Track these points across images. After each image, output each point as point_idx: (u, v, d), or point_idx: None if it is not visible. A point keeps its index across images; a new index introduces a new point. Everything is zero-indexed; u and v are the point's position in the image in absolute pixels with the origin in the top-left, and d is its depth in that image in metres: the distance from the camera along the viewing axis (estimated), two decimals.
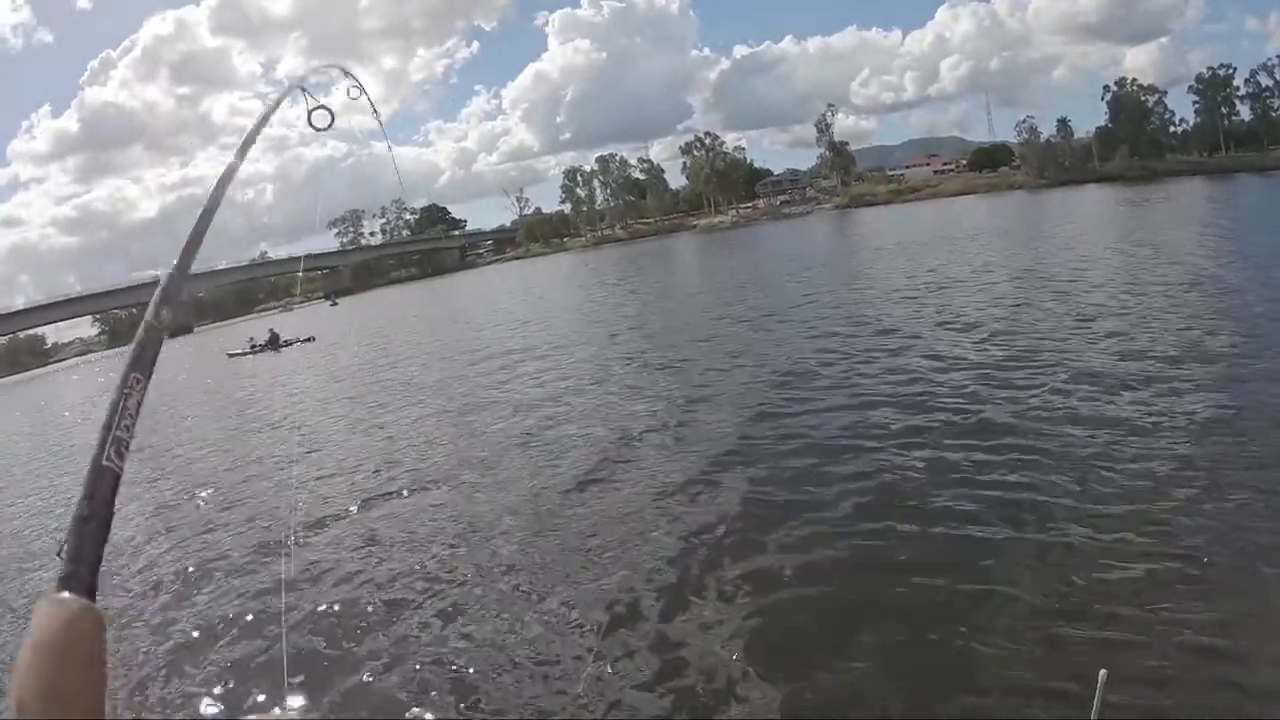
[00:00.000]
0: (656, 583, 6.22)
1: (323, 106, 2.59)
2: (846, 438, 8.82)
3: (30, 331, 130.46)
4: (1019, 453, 7.70)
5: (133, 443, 1.08)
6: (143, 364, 1.23)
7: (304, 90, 2.61)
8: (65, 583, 0.93)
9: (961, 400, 9.65)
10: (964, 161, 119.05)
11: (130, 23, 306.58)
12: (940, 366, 11.40)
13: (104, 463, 1.06)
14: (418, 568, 7.39)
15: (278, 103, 2.49)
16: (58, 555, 0.97)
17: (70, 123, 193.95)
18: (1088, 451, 7.51)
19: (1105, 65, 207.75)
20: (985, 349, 12.15)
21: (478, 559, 7.42)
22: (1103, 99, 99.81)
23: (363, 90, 3.48)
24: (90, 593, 0.93)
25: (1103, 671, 2.28)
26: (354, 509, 9.51)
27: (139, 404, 1.16)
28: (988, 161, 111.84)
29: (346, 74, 3.42)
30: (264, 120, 2.26)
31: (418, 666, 5.60)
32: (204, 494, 12.02)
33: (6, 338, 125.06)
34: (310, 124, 2.58)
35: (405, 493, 9.89)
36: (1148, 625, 4.70)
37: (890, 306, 16.80)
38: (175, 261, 1.57)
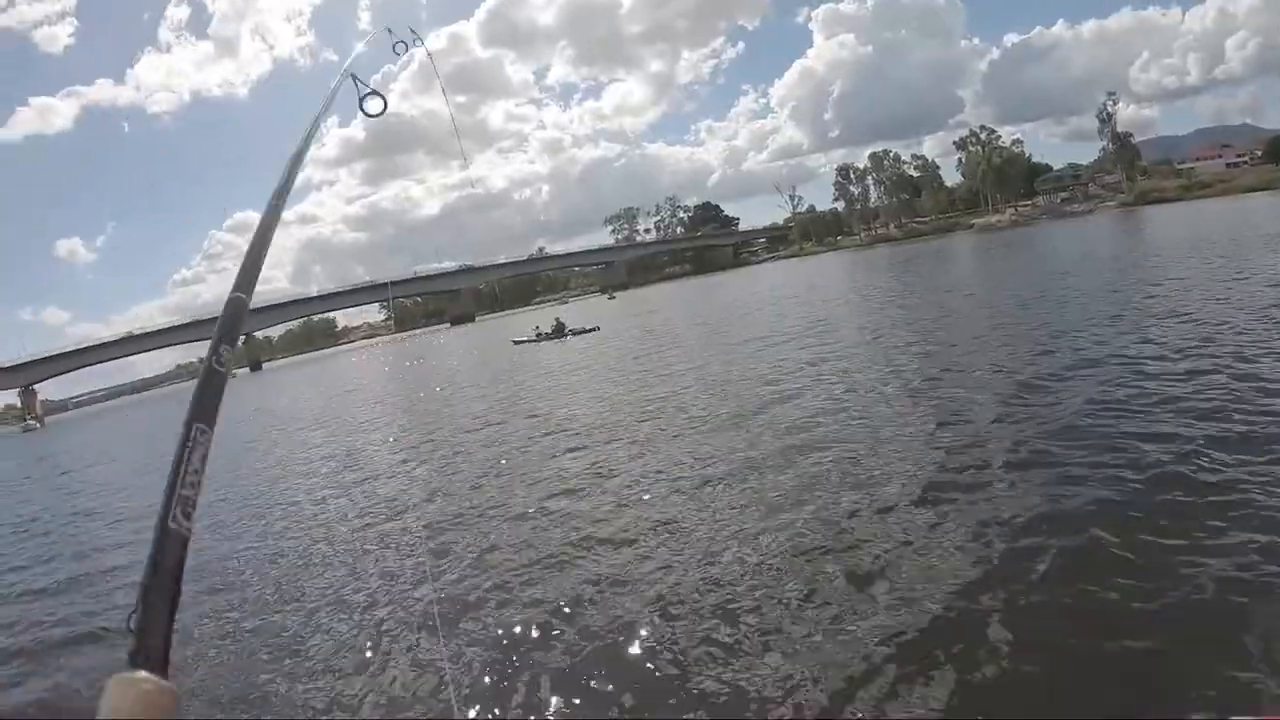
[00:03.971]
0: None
1: (375, 92, 2.55)
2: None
3: (323, 315, 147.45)
4: None
5: (198, 498, 1.00)
6: (206, 413, 1.13)
7: (355, 77, 2.52)
8: (135, 659, 0.89)
9: None
10: (1258, 152, 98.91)
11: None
12: None
13: (170, 524, 0.99)
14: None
15: (334, 94, 2.39)
16: (126, 629, 0.92)
17: (357, 131, 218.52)
18: None
19: None
20: None
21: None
22: None
23: (419, 41, 3.34)
24: (163, 668, 0.89)
25: None
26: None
27: (204, 457, 1.07)
28: None
29: (413, 35, 3.25)
30: (325, 108, 2.27)
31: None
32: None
33: (302, 320, 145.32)
34: (362, 110, 2.55)
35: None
36: None
37: None
38: (233, 291, 1.40)
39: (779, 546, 6.63)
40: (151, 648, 0.91)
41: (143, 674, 0.87)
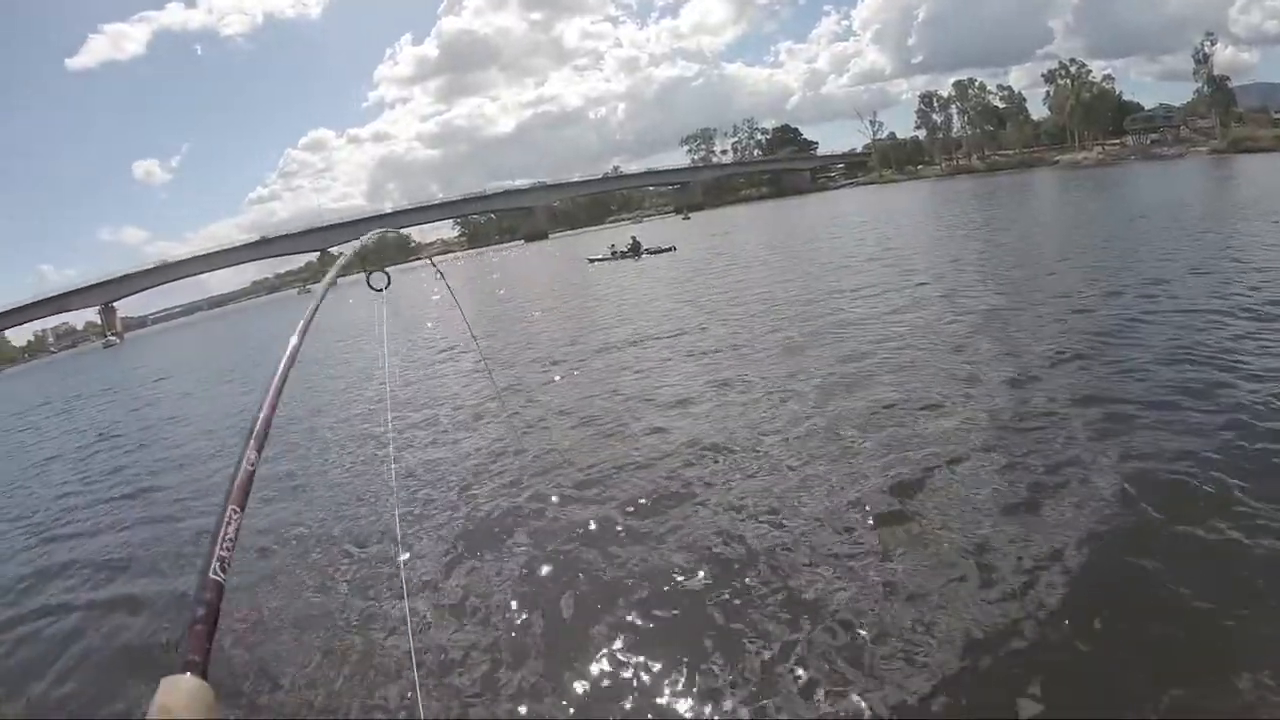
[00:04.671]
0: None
1: (382, 270, 3.33)
2: None
3: (396, 232, 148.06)
4: None
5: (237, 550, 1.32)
6: (239, 498, 1.45)
7: (364, 261, 3.23)
8: (183, 667, 1.12)
9: None
10: None
11: None
12: None
13: (212, 576, 1.27)
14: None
15: (342, 264, 2.99)
16: (176, 650, 1.16)
17: (430, 49, 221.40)
18: None
19: None
20: None
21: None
22: None
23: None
24: (204, 672, 1.12)
25: None
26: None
27: (237, 530, 1.38)
28: None
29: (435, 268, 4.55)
30: (333, 279, 2.75)
31: None
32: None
33: (374, 236, 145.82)
34: (370, 285, 3.37)
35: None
36: None
37: None
38: (265, 408, 1.74)
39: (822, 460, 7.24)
40: (195, 660, 1.15)
41: (188, 676, 1.11)
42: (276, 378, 1.84)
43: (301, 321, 2.19)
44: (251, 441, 1.60)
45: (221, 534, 1.35)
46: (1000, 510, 5.71)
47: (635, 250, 41.62)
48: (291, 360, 1.98)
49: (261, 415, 1.69)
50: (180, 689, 1.07)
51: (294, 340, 2.08)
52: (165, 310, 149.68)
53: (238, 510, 1.42)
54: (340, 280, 2.97)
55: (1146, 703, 3.66)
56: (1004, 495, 5.95)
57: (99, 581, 8.04)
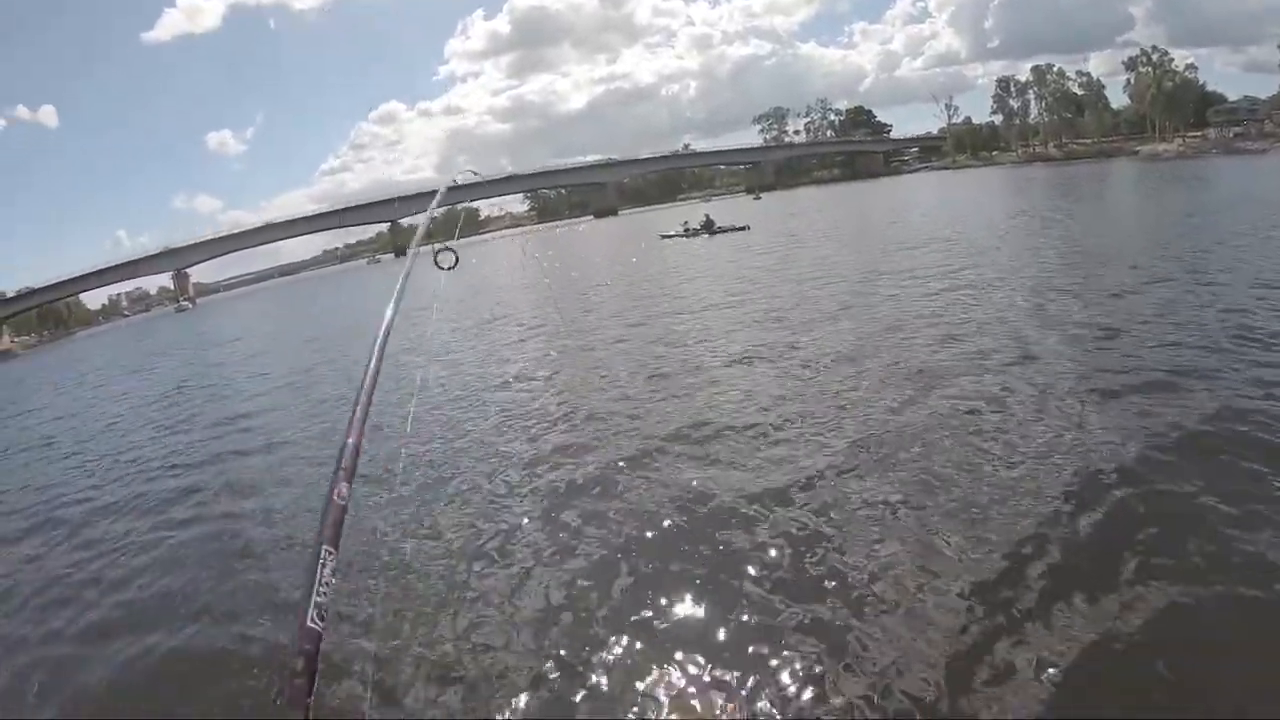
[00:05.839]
0: None
1: (448, 248, 3.12)
2: None
3: (466, 205, 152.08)
4: None
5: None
6: (332, 537, 1.36)
7: (433, 243, 3.03)
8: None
9: None
10: None
11: None
12: None
13: (309, 625, 1.19)
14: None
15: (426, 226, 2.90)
16: (274, 701, 1.13)
17: (502, 24, 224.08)
18: None
19: None
20: None
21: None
22: None
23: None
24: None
25: None
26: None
27: (333, 571, 1.30)
28: None
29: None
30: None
31: None
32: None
33: (444, 210, 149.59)
34: (436, 264, 3.12)
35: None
36: None
37: None
38: (353, 435, 1.65)
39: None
40: (296, 712, 1.12)
41: None
42: (360, 405, 1.72)
43: (378, 341, 2.06)
44: (340, 474, 1.51)
45: (317, 579, 1.27)
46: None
47: (709, 228, 42.13)
48: (374, 380, 1.84)
49: (349, 443, 1.62)
50: None
51: (373, 364, 1.91)
52: (238, 276, 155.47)
53: (331, 550, 1.33)
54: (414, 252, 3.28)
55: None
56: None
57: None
